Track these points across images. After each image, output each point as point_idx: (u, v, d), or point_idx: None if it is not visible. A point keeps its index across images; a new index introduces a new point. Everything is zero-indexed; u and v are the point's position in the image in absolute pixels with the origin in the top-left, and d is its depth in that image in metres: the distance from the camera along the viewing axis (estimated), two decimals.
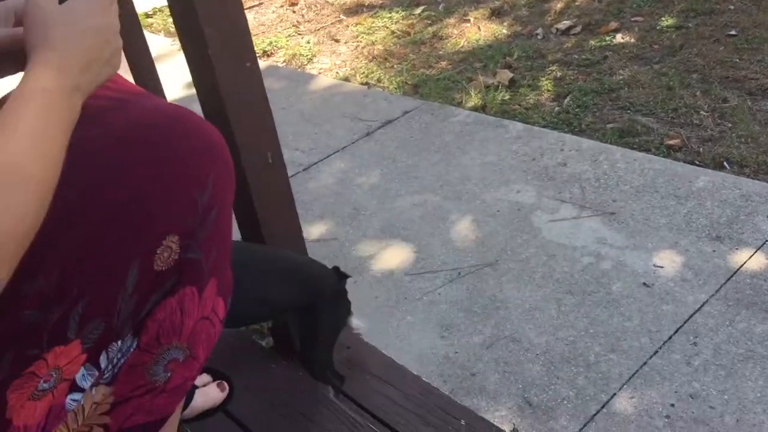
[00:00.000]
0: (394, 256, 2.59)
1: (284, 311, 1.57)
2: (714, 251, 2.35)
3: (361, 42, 4.46)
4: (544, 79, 3.60)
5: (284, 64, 4.40)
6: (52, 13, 0.78)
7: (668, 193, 2.65)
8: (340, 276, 1.59)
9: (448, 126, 3.35)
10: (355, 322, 1.67)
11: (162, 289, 0.89)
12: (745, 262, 2.28)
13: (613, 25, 3.96)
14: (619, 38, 3.84)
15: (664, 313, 2.15)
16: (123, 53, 0.89)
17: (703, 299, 2.17)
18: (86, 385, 0.87)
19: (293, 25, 4.89)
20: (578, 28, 4.04)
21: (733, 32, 3.65)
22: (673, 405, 1.88)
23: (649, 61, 3.57)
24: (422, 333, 2.23)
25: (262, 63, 4.31)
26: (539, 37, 4.07)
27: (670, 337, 2.07)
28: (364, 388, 1.64)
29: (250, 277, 1.28)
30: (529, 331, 2.17)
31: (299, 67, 4.31)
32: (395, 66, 4.07)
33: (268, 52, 4.58)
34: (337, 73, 4.16)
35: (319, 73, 4.17)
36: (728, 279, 2.22)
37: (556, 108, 3.34)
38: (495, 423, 1.58)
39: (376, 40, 4.43)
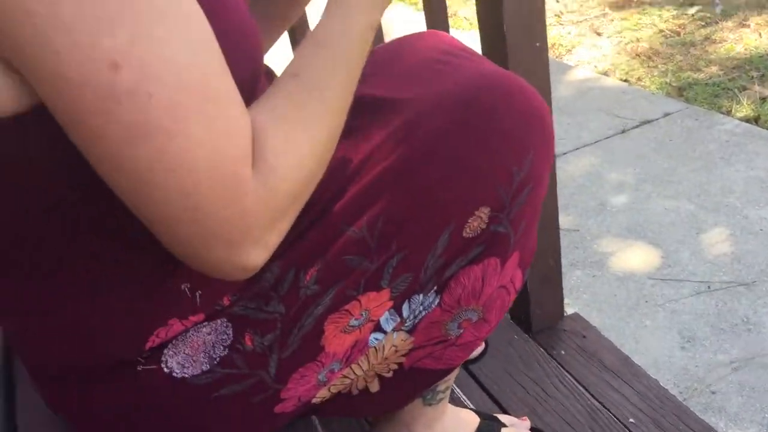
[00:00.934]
0: (637, 257, 2.50)
1: None
2: None
3: (624, 38, 4.30)
4: None
5: None
6: None
7: None
8: None
9: (713, 133, 3.15)
10: None
11: (467, 256, 0.94)
12: None
13: None
14: None
15: None
16: None
17: None
18: (388, 328, 0.95)
19: (555, 15, 4.84)
20: None
21: None
22: None
23: None
24: (661, 340, 2.14)
25: None
26: None
27: None
28: (599, 381, 1.62)
29: None
30: None
31: (557, 57, 4.27)
32: (659, 66, 3.89)
33: None
34: (595, 66, 4.06)
35: (577, 65, 4.10)
36: None
37: None
38: None
39: (641, 38, 4.26)
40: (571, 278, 2.43)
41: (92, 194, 0.68)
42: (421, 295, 0.94)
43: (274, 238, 0.71)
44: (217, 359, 0.86)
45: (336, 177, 0.88)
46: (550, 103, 1.48)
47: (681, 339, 2.13)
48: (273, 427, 0.95)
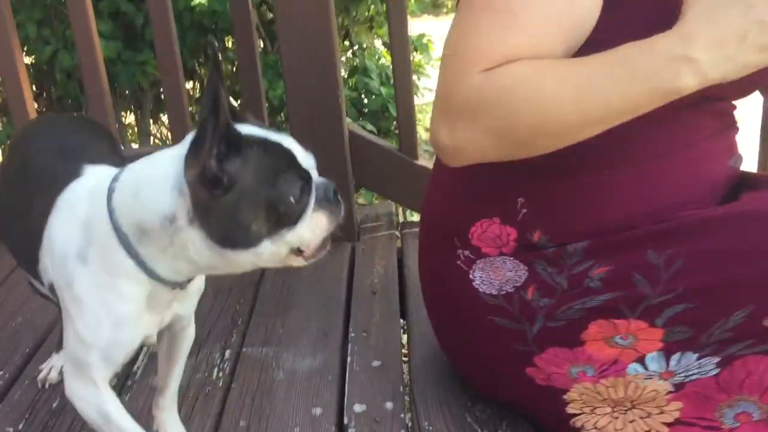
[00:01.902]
0: None
1: None
2: None
3: None
4: None
5: None
6: None
7: None
8: None
9: None
10: None
11: (764, 345, 0.91)
12: None
13: None
14: None
15: None
16: None
17: None
18: (652, 367, 0.97)
19: None
20: None
21: None
22: None
23: None
24: None
25: None
26: None
27: None
28: None
29: None
30: None
31: None
32: None
33: None
34: None
35: None
36: None
37: None
38: None
39: None
40: None
41: None
42: (697, 355, 0.94)
43: (458, 131, 0.92)
44: (504, 292, 1.07)
45: (658, 200, 0.99)
46: None
47: None
48: (519, 387, 1.10)
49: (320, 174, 0.94)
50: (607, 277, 0.98)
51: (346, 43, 3.79)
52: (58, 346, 1.43)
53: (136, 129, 4.38)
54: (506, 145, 0.92)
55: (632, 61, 0.83)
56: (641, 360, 0.97)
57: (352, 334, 1.54)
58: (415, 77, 3.54)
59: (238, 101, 2.88)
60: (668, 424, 0.98)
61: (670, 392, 0.97)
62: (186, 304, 1.08)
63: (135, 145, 4.26)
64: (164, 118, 4.19)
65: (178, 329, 1.14)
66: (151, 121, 4.22)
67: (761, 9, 0.77)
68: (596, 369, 1.01)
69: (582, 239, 1.01)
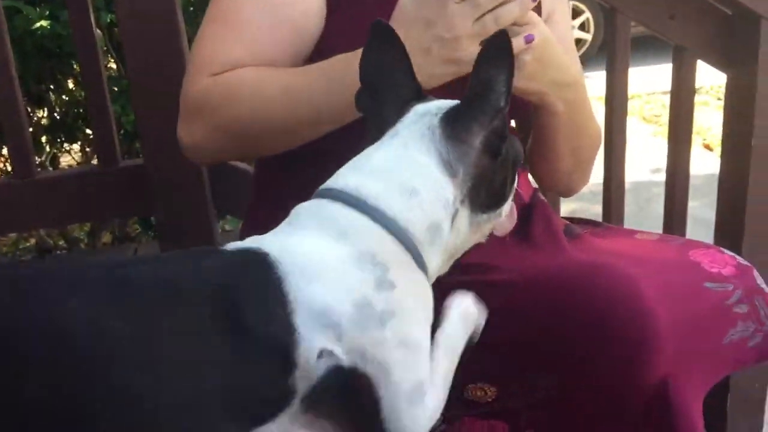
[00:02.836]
0: None
1: None
2: None
3: None
4: None
5: None
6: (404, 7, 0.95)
7: None
8: None
9: None
10: None
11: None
12: None
13: None
14: None
15: None
16: None
17: None
18: None
19: None
20: None
21: None
22: None
23: None
24: None
25: None
26: None
27: None
28: None
29: None
30: None
31: None
32: None
33: None
34: None
35: None
36: None
37: None
38: None
39: None
40: None
41: None
42: None
43: (194, 131, 1.05)
44: None
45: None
46: None
47: None
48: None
49: None
50: None
51: None
52: None
53: None
54: (238, 143, 1.04)
55: (334, 71, 0.96)
56: None
57: None
58: None
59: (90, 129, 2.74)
60: None
61: None
62: None
63: None
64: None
65: None
66: None
67: (440, 27, 0.90)
68: None
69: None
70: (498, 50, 0.79)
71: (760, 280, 1.04)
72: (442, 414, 0.79)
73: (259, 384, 0.69)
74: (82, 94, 3.38)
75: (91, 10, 1.86)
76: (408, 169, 0.79)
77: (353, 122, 0.95)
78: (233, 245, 0.78)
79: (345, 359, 0.71)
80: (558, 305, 0.92)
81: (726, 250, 1.08)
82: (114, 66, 3.00)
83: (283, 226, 0.79)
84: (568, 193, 1.35)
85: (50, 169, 3.09)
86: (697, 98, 4.93)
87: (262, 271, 0.72)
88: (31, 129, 2.54)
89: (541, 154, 1.23)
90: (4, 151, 3.69)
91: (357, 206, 0.76)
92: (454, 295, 0.85)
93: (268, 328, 0.70)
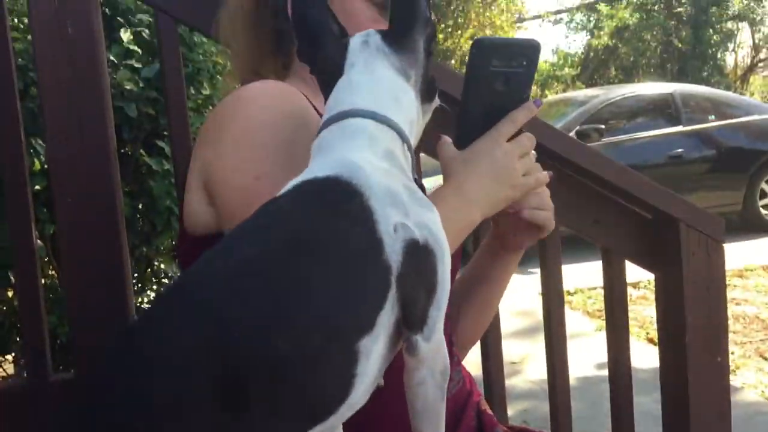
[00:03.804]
0: None
1: None
2: None
3: None
4: None
5: None
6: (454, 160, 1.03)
7: None
8: None
9: None
10: None
11: None
12: None
13: None
14: None
15: None
16: None
17: None
18: None
19: None
20: None
21: None
22: None
23: None
24: None
25: None
26: None
27: None
28: None
29: None
30: None
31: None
32: None
33: None
34: (762, 392, 3.84)
35: (743, 387, 3.89)
36: None
37: None
38: None
39: None
40: None
41: None
42: None
43: None
44: None
45: None
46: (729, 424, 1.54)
47: None
48: None
49: None
50: None
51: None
52: None
53: None
54: None
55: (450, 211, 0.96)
56: None
57: None
58: None
59: None
60: None
61: None
62: None
63: None
64: None
65: None
66: None
67: (504, 159, 1.01)
68: None
69: None
70: None
71: None
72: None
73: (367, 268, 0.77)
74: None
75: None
76: (383, 84, 0.94)
77: None
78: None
79: (416, 232, 0.79)
80: None
81: None
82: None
83: (335, 142, 0.88)
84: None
85: None
86: (636, 292, 5.18)
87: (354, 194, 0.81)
88: None
89: (474, 307, 1.27)
90: None
91: (374, 117, 0.90)
92: None
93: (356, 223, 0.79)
